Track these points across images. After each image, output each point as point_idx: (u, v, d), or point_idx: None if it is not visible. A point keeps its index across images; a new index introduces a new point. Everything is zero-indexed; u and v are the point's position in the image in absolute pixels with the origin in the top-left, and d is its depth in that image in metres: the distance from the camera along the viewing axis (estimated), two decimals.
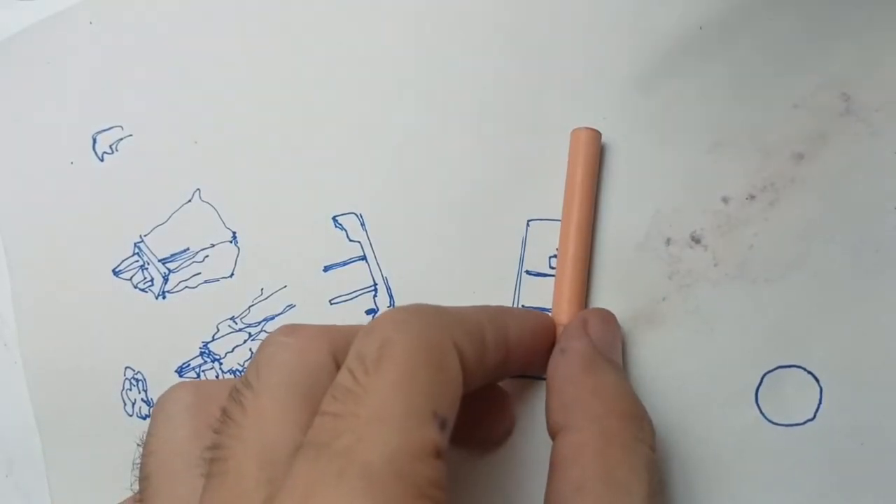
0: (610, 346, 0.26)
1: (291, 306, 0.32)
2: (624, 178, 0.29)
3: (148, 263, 0.33)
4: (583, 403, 0.23)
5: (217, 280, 0.33)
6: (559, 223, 0.29)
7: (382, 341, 0.20)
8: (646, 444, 0.22)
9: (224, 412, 0.21)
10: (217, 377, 0.32)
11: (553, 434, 0.23)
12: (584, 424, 0.22)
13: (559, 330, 0.27)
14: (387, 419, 0.18)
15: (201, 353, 0.33)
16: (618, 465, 0.21)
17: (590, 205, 0.28)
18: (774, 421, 0.26)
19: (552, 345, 0.26)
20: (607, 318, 0.27)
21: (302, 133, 0.33)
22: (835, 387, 0.26)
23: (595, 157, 0.29)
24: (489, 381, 0.25)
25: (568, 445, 0.22)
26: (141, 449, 0.24)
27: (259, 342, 0.30)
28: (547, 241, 0.30)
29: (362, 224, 0.32)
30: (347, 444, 0.18)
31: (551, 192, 0.30)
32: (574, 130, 0.29)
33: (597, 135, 0.29)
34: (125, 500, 0.26)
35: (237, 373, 0.32)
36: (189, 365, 0.33)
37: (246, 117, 0.34)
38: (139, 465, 0.23)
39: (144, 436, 0.24)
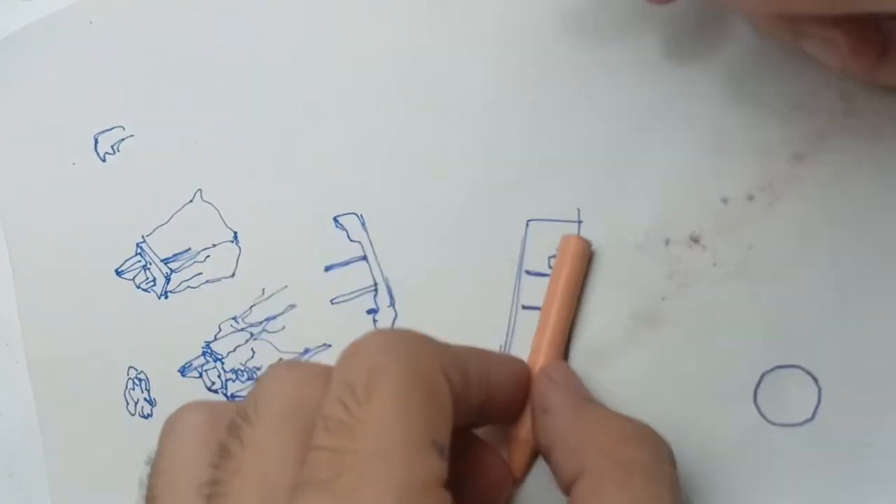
0: (582, 388, 0.26)
1: (292, 306, 0.32)
2: (624, 178, 0.29)
3: (150, 263, 0.34)
4: (592, 442, 0.22)
5: (219, 280, 0.33)
6: (559, 223, 0.29)
7: (371, 367, 0.19)
8: (666, 463, 0.22)
9: (222, 447, 0.21)
10: (219, 376, 0.32)
11: (568, 488, 0.22)
12: (599, 461, 0.21)
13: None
14: (388, 454, 0.18)
15: (203, 353, 0.32)
16: (642, 493, 0.21)
17: (571, 305, 0.28)
18: (773, 421, 0.26)
19: (527, 393, 0.26)
20: (564, 366, 0.27)
21: (303, 133, 0.33)
22: (833, 387, 0.26)
23: (581, 267, 0.28)
24: (469, 423, 0.25)
25: (587, 488, 0.21)
26: (148, 467, 0.23)
27: (260, 341, 0.31)
28: (546, 241, 0.29)
29: (363, 224, 0.32)
30: (351, 483, 0.17)
31: (551, 192, 0.30)
32: (564, 237, 0.28)
33: (585, 244, 0.28)
34: None
35: (239, 372, 0.32)
36: (192, 365, 0.33)
37: (247, 118, 0.34)
38: (147, 484, 0.23)
39: (153, 454, 0.23)
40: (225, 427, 0.21)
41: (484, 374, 0.23)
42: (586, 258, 0.28)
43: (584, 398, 0.25)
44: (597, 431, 0.23)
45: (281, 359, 0.23)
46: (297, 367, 0.22)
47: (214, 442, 0.21)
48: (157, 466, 0.22)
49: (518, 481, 0.27)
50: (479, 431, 0.26)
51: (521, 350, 0.29)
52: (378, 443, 0.18)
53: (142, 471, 0.24)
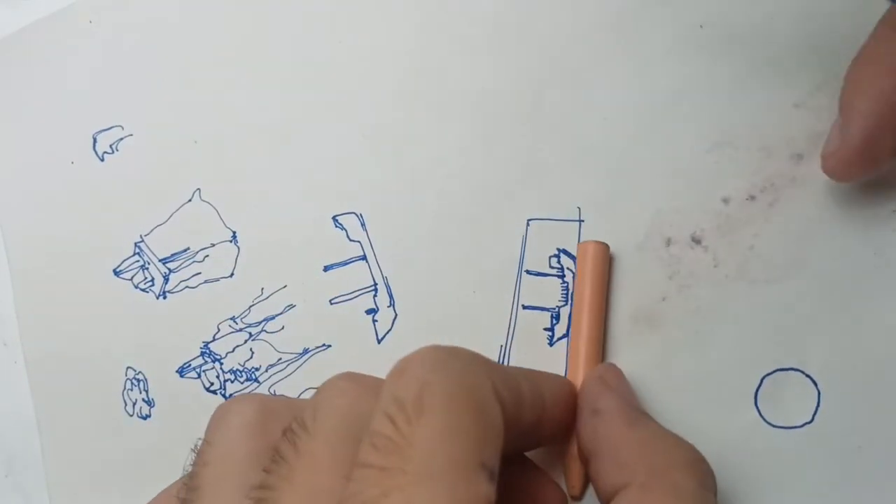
0: (632, 396, 0.25)
1: (292, 306, 0.32)
2: (624, 178, 0.29)
3: (148, 263, 0.33)
4: (643, 459, 0.22)
5: (217, 280, 0.33)
6: (559, 223, 0.29)
7: (421, 384, 0.19)
8: (710, 492, 0.22)
9: (276, 451, 0.20)
10: (218, 377, 0.32)
11: (608, 497, 0.22)
12: (649, 480, 0.21)
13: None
14: (436, 476, 0.17)
15: (202, 354, 0.32)
16: None
17: (601, 315, 0.28)
18: (773, 423, 0.26)
19: (576, 412, 0.25)
20: (619, 372, 0.26)
21: (302, 132, 0.33)
22: (833, 390, 0.26)
23: (604, 270, 0.28)
24: (522, 446, 0.25)
25: (635, 503, 0.21)
26: (194, 455, 0.23)
27: (259, 342, 0.31)
28: (547, 241, 0.29)
29: (362, 224, 0.31)
30: None
31: (551, 191, 0.30)
32: (581, 244, 0.28)
33: (605, 248, 0.28)
34: (168, 493, 0.25)
35: (238, 373, 0.32)
36: (190, 365, 0.32)
37: (246, 117, 0.34)
38: (190, 472, 0.22)
39: (199, 442, 0.23)
40: (280, 430, 0.21)
41: (536, 393, 0.23)
42: (607, 261, 0.28)
43: (635, 409, 0.24)
44: (649, 449, 0.22)
45: (347, 371, 0.23)
46: (358, 381, 0.22)
47: (265, 441, 0.22)
48: (204, 456, 0.22)
49: (577, 498, 0.26)
50: (532, 455, 0.26)
51: (522, 350, 0.29)
52: (426, 464, 0.18)
53: (186, 458, 0.23)
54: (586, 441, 0.24)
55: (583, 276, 0.28)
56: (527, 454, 0.26)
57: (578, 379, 0.27)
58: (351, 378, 0.22)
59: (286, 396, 0.31)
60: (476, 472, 0.18)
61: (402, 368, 0.20)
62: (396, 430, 0.18)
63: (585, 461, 0.24)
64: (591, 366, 0.27)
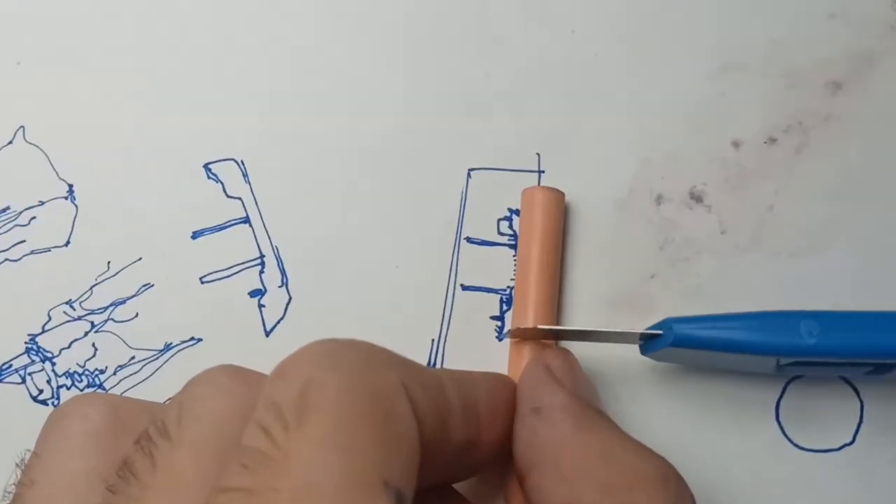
0: (587, 392, 0.23)
1: (149, 286, 0.28)
2: (600, 114, 0.26)
3: None
4: (592, 472, 0.20)
5: (48, 250, 0.29)
6: (511, 174, 0.26)
7: (304, 384, 0.17)
8: None
9: (126, 465, 0.18)
10: (49, 381, 0.28)
11: None
12: (601, 499, 0.19)
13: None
14: (318, 493, 0.15)
15: (27, 350, 0.28)
16: None
17: (554, 282, 0.25)
18: (801, 445, 0.23)
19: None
20: (572, 359, 0.24)
21: (163, 52, 0.29)
22: (880, 402, 0.23)
23: (556, 226, 0.25)
24: (452, 474, 0.22)
25: None
26: (18, 472, 0.20)
27: (105, 334, 0.28)
28: (494, 198, 0.26)
29: (244, 174, 0.28)
30: None
31: (500, 131, 0.27)
32: (526, 191, 0.26)
33: (559, 196, 0.25)
34: None
35: (76, 376, 0.28)
36: (11, 366, 0.28)
37: (84, 27, 0.29)
38: (13, 495, 0.20)
39: (27, 455, 0.21)
40: (134, 433, 0.19)
41: (468, 400, 0.20)
42: (561, 213, 0.25)
43: (588, 407, 0.22)
44: (602, 460, 0.20)
45: (223, 364, 0.20)
46: (241, 376, 0.19)
47: (113, 455, 0.19)
48: (30, 473, 0.20)
49: None
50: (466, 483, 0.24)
51: (460, 345, 0.26)
52: (305, 480, 0.15)
53: (10, 475, 0.20)
54: (523, 448, 0.21)
55: (529, 234, 0.25)
56: (457, 486, 0.23)
57: (521, 367, 0.24)
58: (231, 372, 0.20)
59: (143, 400, 0.27)
60: (376, 493, 0.16)
61: (282, 368, 0.18)
62: (271, 442, 0.16)
63: (522, 477, 0.21)
64: (538, 354, 0.24)
